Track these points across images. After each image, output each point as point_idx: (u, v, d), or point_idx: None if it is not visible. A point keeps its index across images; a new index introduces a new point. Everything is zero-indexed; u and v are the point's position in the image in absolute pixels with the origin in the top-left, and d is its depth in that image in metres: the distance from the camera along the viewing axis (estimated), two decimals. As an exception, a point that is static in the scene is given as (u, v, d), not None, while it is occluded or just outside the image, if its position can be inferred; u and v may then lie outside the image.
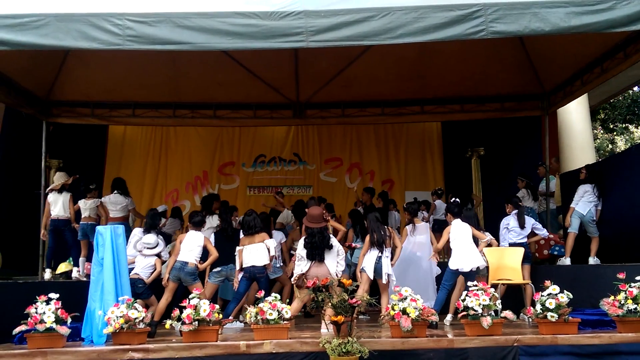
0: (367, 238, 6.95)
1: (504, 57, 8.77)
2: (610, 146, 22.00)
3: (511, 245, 7.65)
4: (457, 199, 7.67)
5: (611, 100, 17.51)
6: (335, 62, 8.57)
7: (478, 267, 6.84)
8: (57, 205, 8.63)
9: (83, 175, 9.55)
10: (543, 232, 7.94)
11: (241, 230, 7.35)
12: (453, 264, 6.89)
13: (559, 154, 10.45)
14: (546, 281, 5.89)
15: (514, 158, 10.92)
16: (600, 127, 21.31)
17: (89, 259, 7.92)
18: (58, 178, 8.86)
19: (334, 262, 6.47)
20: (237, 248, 7.06)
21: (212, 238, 7.40)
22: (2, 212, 9.79)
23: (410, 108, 9.97)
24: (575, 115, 10.67)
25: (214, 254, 6.95)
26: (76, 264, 8.51)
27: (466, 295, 5.81)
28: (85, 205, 8.83)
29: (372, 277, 6.79)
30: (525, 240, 7.73)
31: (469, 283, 6.04)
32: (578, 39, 7.01)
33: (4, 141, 10.24)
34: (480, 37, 5.68)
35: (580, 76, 8.24)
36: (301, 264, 6.48)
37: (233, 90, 9.51)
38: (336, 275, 6.34)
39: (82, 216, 8.83)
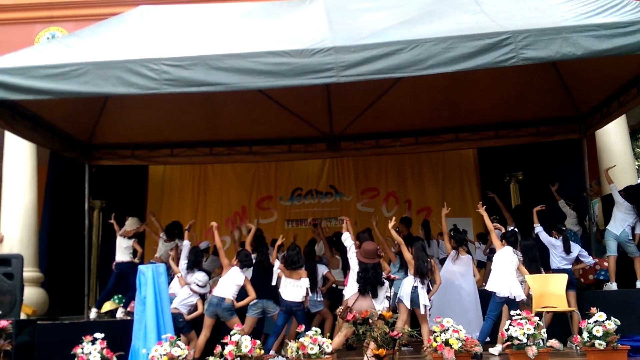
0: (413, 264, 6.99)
1: (537, 81, 8.69)
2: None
3: (555, 270, 7.52)
4: (516, 229, 7.62)
5: (652, 119, 17.12)
6: (367, 94, 8.63)
7: (515, 297, 6.74)
8: (122, 249, 8.89)
9: (127, 214, 9.76)
10: (589, 259, 7.81)
11: (277, 261, 7.44)
12: (490, 286, 6.88)
13: (599, 177, 10.23)
14: (592, 308, 5.76)
15: (554, 182, 10.75)
16: (642, 145, 20.83)
17: None
18: (131, 224, 9.13)
19: (382, 299, 6.48)
20: (278, 265, 7.25)
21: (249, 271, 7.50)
22: (48, 253, 10.06)
23: (444, 136, 9.94)
24: (614, 136, 10.44)
25: (251, 295, 7.03)
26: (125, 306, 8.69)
27: (509, 324, 5.73)
28: (164, 246, 9.06)
29: (409, 307, 6.75)
30: (569, 266, 7.60)
31: (512, 312, 5.96)
32: (612, 61, 6.91)
33: (50, 185, 10.57)
34: (511, 64, 5.69)
35: (617, 97, 8.11)
36: (350, 293, 6.52)
37: (267, 126, 9.65)
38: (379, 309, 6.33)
39: (154, 256, 9.08)
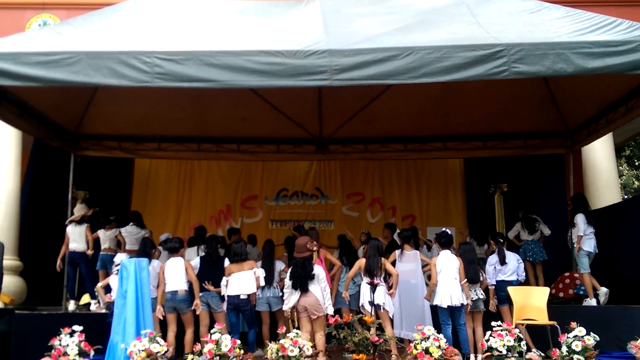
0: (356, 263, 7.05)
1: (527, 94, 8.76)
2: (636, 183, 21.71)
3: (499, 282, 7.56)
4: (448, 230, 7.58)
5: (637, 138, 17.33)
6: (358, 98, 8.62)
7: (460, 305, 6.75)
8: (74, 237, 8.78)
9: (110, 207, 9.72)
10: (520, 275, 7.74)
11: (226, 258, 7.38)
12: (435, 299, 6.89)
13: (583, 192, 10.33)
14: (572, 323, 5.80)
15: (538, 195, 10.82)
16: (625, 164, 21.08)
17: (107, 289, 7.87)
18: (78, 210, 9.02)
19: (320, 291, 6.51)
20: (225, 279, 7.09)
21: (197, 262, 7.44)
22: (28, 242, 9.94)
23: (432, 144, 9.98)
24: (599, 153, 10.54)
25: (193, 281, 6.94)
26: (92, 297, 8.58)
27: (490, 335, 5.76)
28: (105, 236, 8.97)
29: (369, 309, 6.74)
30: (513, 277, 7.61)
31: (492, 323, 5.99)
32: (602, 78, 6.97)
33: (32, 173, 10.44)
34: (502, 78, 5.71)
35: (605, 115, 8.18)
36: (290, 296, 6.57)
37: (257, 125, 9.63)
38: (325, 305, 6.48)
39: (102, 247, 8.96)
